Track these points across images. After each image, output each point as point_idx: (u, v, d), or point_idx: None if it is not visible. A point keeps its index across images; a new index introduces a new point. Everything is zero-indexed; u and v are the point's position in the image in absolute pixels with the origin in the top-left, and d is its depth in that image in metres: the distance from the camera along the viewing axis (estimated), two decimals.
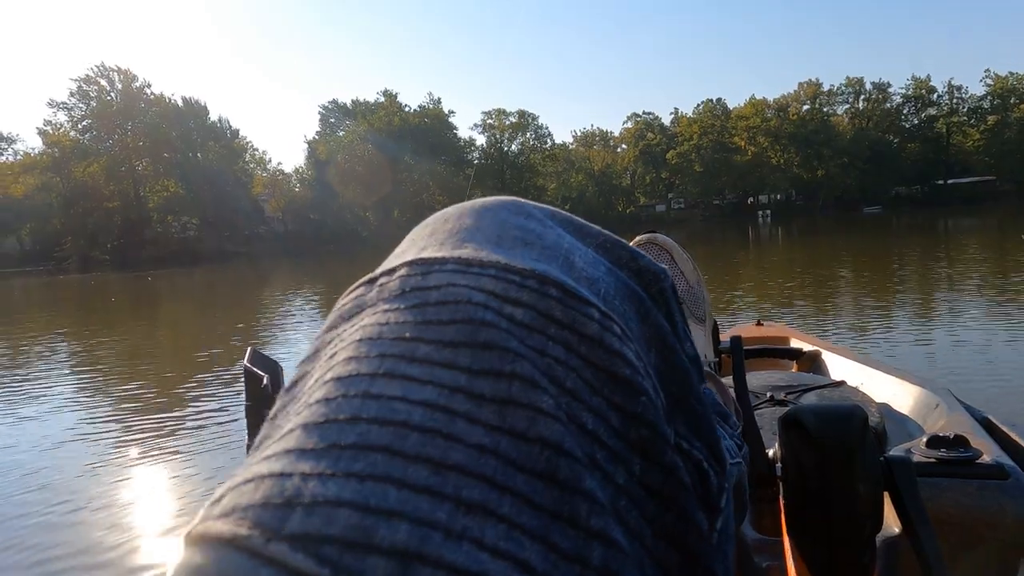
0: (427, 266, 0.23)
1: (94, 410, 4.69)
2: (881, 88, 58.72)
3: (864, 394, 1.18)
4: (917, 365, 4.29)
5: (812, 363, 1.51)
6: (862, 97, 59.59)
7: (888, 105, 58.83)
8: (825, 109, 59.14)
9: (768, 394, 1.12)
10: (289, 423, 0.19)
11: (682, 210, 61.12)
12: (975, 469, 0.56)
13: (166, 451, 3.52)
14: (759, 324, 1.87)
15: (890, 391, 1.17)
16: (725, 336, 1.76)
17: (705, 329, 0.72)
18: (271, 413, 0.22)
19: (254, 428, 1.35)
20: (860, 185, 55.38)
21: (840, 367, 1.42)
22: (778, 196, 60.20)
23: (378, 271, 0.24)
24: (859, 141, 55.65)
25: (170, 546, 2.38)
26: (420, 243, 0.26)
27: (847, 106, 60.17)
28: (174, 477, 3.15)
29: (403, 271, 0.23)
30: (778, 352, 1.57)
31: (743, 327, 1.86)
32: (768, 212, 55.68)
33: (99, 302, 16.37)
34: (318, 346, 0.23)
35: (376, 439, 0.17)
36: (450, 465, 0.17)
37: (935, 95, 57.52)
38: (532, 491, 0.18)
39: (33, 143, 52.40)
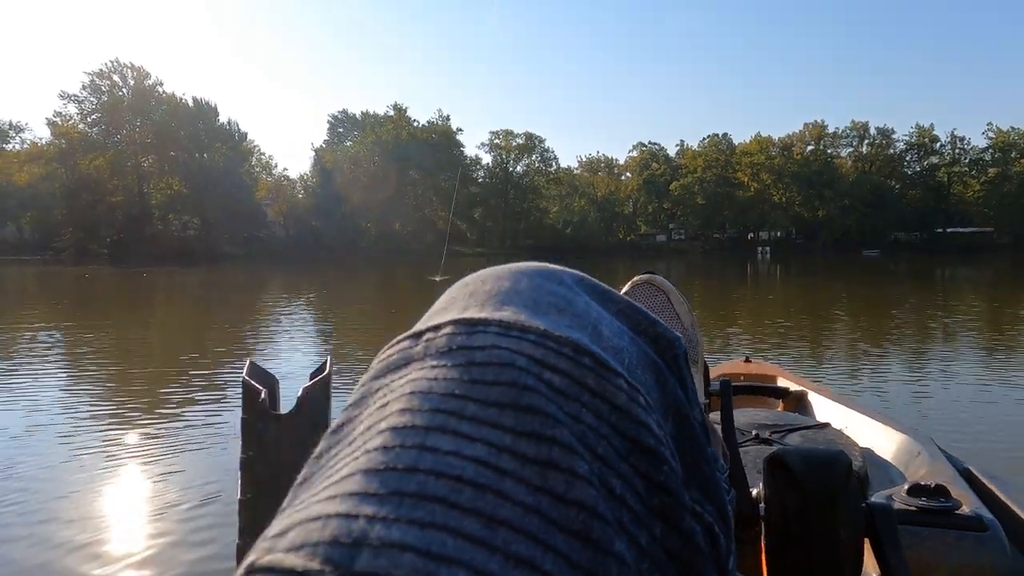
0: (471, 326, 0.25)
1: (72, 403, 4.60)
2: (885, 134, 59.39)
3: (848, 437, 1.17)
4: (905, 413, 4.25)
5: (798, 403, 1.51)
6: (866, 141, 60.24)
7: (891, 151, 59.45)
8: (829, 151, 59.73)
9: (754, 432, 1.11)
10: (345, 466, 0.21)
11: (682, 241, 61.37)
12: (955, 520, 0.56)
13: (141, 447, 3.44)
14: (747, 361, 1.88)
15: (874, 436, 1.16)
16: (714, 372, 1.72)
17: (697, 370, 0.73)
18: (316, 452, 0.24)
19: (248, 441, 1.33)
20: (860, 228, 55.72)
21: (825, 409, 1.42)
22: (778, 233, 60.53)
23: (422, 326, 0.27)
24: (861, 184, 56.11)
25: (130, 541, 2.30)
26: (461, 302, 0.28)
27: (851, 149, 60.83)
28: (148, 473, 3.08)
29: (449, 329, 0.25)
30: (765, 390, 1.57)
31: (731, 363, 1.86)
32: (767, 249, 55.91)
33: (92, 295, 16.27)
34: (364, 393, 0.25)
35: (434, 490, 0.19)
36: (500, 520, 0.19)
37: (938, 144, 58.20)
38: (570, 550, 0.19)
39: (41, 133, 52.57)
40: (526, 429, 0.22)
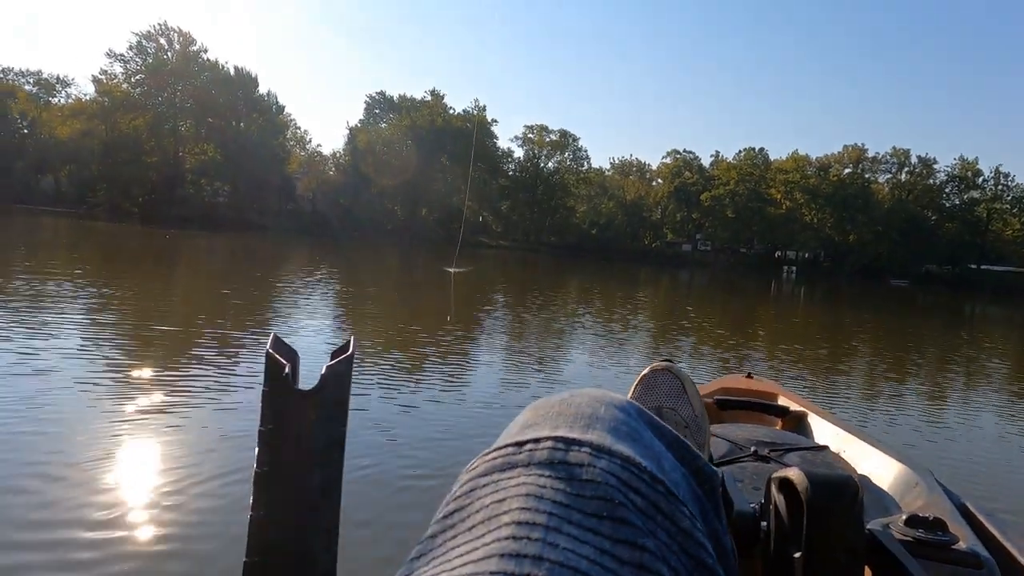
0: (567, 444, 0.32)
1: (93, 354, 4.69)
2: (926, 163, 58.08)
3: (845, 461, 1.17)
4: (916, 449, 4.17)
5: (797, 423, 1.51)
6: (905, 169, 58.97)
7: (931, 181, 58.12)
8: (867, 175, 58.59)
9: (752, 448, 1.11)
10: (475, 549, 0.27)
11: (707, 252, 60.72)
12: (951, 555, 0.56)
13: (154, 409, 3.49)
14: (749, 376, 1.88)
15: (871, 463, 1.16)
16: (715, 386, 1.76)
17: (703, 454, 0.76)
18: (428, 533, 0.31)
19: (268, 414, 1.29)
20: (890, 256, 54.64)
21: (824, 431, 1.41)
22: (806, 254, 59.61)
23: (522, 438, 0.34)
24: (896, 212, 54.99)
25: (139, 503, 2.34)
26: (551, 421, 0.35)
27: (889, 176, 59.59)
28: (160, 432, 3.12)
29: (549, 444, 0.32)
30: (765, 407, 1.57)
31: (733, 378, 1.86)
32: (794, 269, 55.10)
33: (121, 250, 16.56)
34: (472, 487, 0.32)
35: None
36: None
37: (980, 179, 56.75)
38: None
39: (87, 89, 53.62)
40: (621, 536, 0.28)
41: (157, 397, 3.88)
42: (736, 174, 58.16)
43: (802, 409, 1.54)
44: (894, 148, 58.82)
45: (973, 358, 9.83)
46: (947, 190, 58.25)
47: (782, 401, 1.62)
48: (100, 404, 3.64)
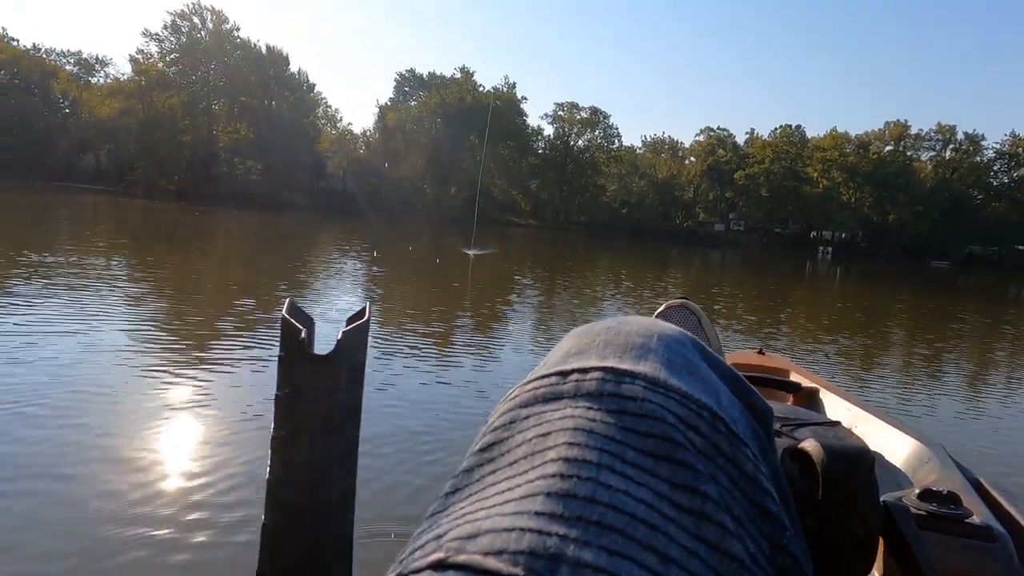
0: (619, 375, 0.29)
1: (132, 327, 4.78)
2: (974, 140, 55.77)
3: (858, 437, 1.09)
4: (948, 438, 4.01)
5: (809, 399, 1.51)
6: (951, 146, 56.76)
7: (978, 159, 55.86)
8: (909, 153, 56.58)
9: None
10: (519, 486, 0.24)
11: (741, 232, 59.56)
12: (964, 528, 0.57)
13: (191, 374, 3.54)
14: (760, 353, 1.89)
15: (883, 439, 1.16)
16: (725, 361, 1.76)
17: None
18: (464, 467, 0.28)
19: (285, 379, 1.32)
20: (932, 236, 52.93)
21: (836, 407, 1.41)
22: (843, 235, 58.09)
23: (567, 367, 0.30)
24: (939, 191, 53.10)
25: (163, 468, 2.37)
26: (597, 350, 0.32)
27: (933, 153, 57.43)
28: (194, 407, 3.15)
29: (598, 375, 0.29)
30: (776, 383, 1.57)
31: (744, 353, 1.87)
32: (829, 249, 53.74)
33: (154, 227, 16.92)
34: (512, 418, 0.29)
35: (614, 522, 0.22)
36: (671, 559, 0.22)
37: None
38: None
39: (124, 69, 54.69)
40: (680, 481, 0.25)
41: (195, 360, 3.94)
42: (771, 152, 56.69)
43: (814, 385, 1.54)
44: (939, 124, 56.62)
45: (1018, 339, 9.46)
46: (995, 168, 55.96)
47: (794, 377, 1.63)
48: (140, 368, 3.72)
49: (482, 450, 0.28)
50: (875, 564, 0.45)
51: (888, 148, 56.17)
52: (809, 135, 58.64)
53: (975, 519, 0.57)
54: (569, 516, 0.22)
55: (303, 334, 1.35)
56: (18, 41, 52.41)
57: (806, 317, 10.25)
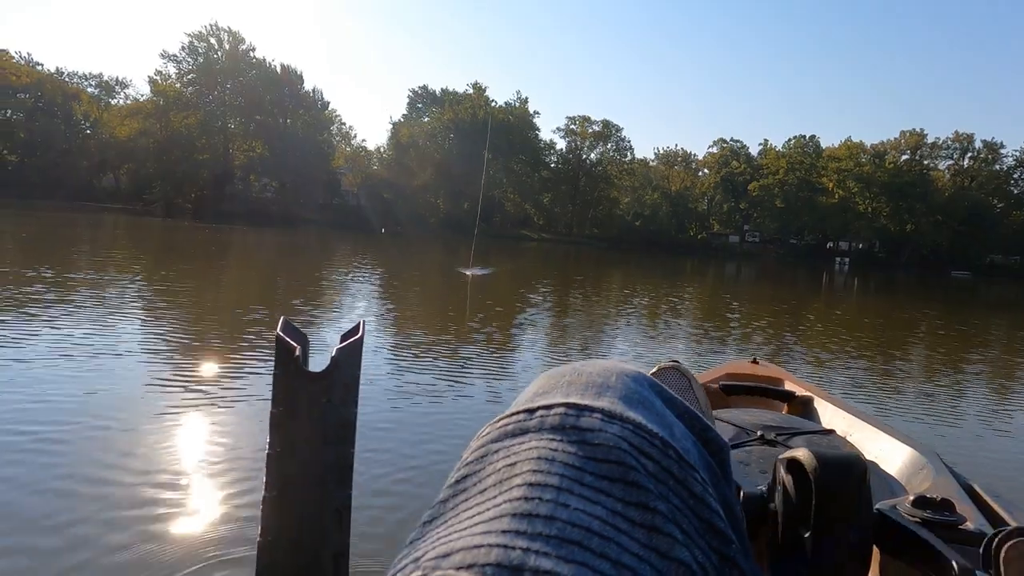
0: (579, 410, 0.33)
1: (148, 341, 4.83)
2: (992, 148, 55.10)
3: (852, 445, 1.16)
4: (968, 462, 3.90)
5: (803, 408, 1.52)
6: (968, 155, 56.13)
7: (997, 167, 55.16)
8: (926, 162, 56.04)
9: (759, 432, 1.10)
10: (487, 510, 0.27)
11: (756, 244, 59.17)
12: (958, 535, 0.56)
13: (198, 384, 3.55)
14: (755, 362, 1.89)
15: (878, 446, 1.16)
16: (720, 371, 1.79)
17: None
18: (440, 498, 0.31)
19: (279, 397, 1.32)
20: (951, 247, 52.21)
21: (830, 415, 1.42)
22: (859, 245, 57.48)
23: (533, 405, 0.34)
24: (958, 200, 52.45)
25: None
26: (562, 389, 0.36)
27: (950, 162, 56.87)
28: (207, 422, 3.16)
29: (560, 410, 0.33)
30: (770, 392, 1.57)
31: (738, 363, 1.87)
32: (846, 260, 53.18)
33: (167, 245, 17.15)
34: (484, 452, 0.32)
35: (571, 535, 0.25)
36: (624, 564, 0.25)
37: None
38: None
39: (143, 89, 55.93)
40: (633, 499, 0.28)
41: (209, 370, 3.95)
42: (786, 163, 56.43)
43: (808, 394, 1.55)
44: (956, 133, 56.09)
45: None
46: (1016, 176, 55.21)
47: (788, 386, 1.63)
48: (156, 378, 3.74)
49: (456, 482, 0.31)
50: (869, 572, 0.46)
51: (904, 157, 55.67)
52: (824, 145, 58.39)
53: (969, 525, 0.58)
54: (532, 532, 0.25)
55: (298, 351, 1.34)
56: (42, 65, 53.81)
57: (828, 338, 10.10)
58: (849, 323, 11.46)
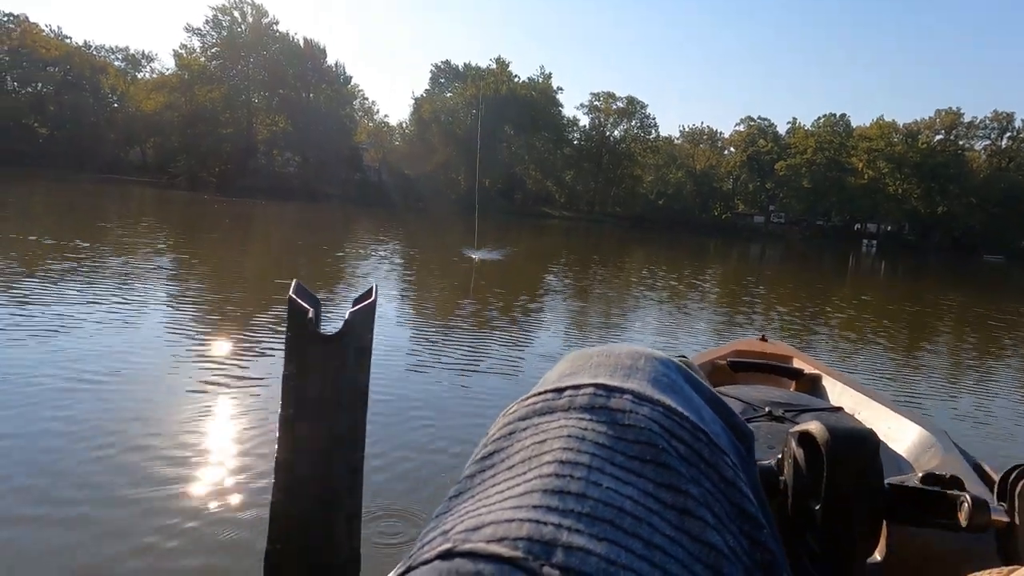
0: (609, 391, 0.33)
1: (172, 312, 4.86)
2: None
3: (860, 423, 1.14)
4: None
5: (812, 385, 1.52)
6: (1007, 135, 54.29)
7: None
8: (961, 142, 54.33)
9: (767, 409, 1.11)
10: (518, 485, 0.27)
11: (781, 224, 58.13)
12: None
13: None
14: (763, 339, 1.88)
15: (886, 424, 1.15)
16: (728, 349, 1.78)
17: None
18: (467, 473, 0.31)
19: (291, 359, 1.24)
20: (984, 230, 50.80)
21: (838, 393, 1.41)
22: (888, 227, 56.18)
23: (562, 384, 0.34)
24: (993, 182, 50.89)
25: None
26: (590, 370, 0.35)
27: (987, 142, 55.04)
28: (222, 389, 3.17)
29: (590, 390, 0.33)
30: (779, 370, 1.57)
31: (747, 341, 1.86)
32: (874, 242, 52.02)
33: (201, 219, 17.31)
34: (512, 429, 0.32)
35: (603, 513, 0.25)
36: (655, 545, 0.25)
37: None
38: None
39: (168, 63, 56.33)
40: (664, 481, 0.28)
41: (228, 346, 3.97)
42: (814, 142, 55.11)
43: (816, 372, 1.54)
44: (995, 112, 54.19)
45: None
46: None
47: (796, 363, 1.62)
48: (180, 351, 3.79)
49: (483, 458, 0.31)
50: (878, 547, 0.46)
51: (938, 137, 54.04)
52: (855, 124, 56.91)
53: None
54: (563, 509, 0.25)
55: (310, 313, 1.29)
56: (71, 38, 54.30)
57: (853, 321, 9.87)
58: (876, 308, 11.20)
